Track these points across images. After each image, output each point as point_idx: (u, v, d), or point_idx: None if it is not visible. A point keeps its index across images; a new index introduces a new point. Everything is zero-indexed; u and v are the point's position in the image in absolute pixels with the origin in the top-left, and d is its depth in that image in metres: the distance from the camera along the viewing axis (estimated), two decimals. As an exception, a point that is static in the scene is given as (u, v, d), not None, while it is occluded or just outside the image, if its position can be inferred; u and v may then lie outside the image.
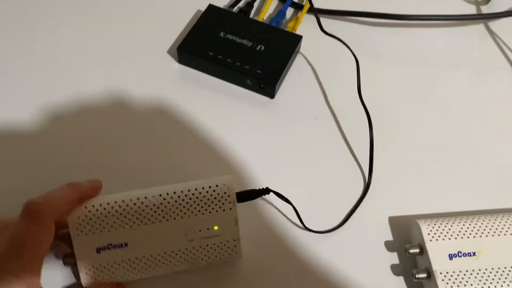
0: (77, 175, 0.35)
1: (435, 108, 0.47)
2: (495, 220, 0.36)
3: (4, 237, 0.29)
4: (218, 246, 0.34)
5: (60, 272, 0.35)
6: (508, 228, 0.36)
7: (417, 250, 0.35)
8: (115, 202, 0.32)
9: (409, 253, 0.36)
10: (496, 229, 0.36)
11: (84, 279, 0.33)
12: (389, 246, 0.38)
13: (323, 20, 0.49)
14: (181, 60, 0.47)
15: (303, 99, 0.46)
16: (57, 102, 0.44)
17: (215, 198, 0.33)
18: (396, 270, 0.37)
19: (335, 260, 0.37)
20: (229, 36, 0.46)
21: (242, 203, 0.35)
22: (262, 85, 0.45)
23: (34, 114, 0.43)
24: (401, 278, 0.36)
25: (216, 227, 0.33)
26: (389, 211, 0.39)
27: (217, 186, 0.33)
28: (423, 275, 0.34)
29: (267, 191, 0.36)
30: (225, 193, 0.33)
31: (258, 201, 0.39)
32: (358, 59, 0.45)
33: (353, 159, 0.42)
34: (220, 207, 0.33)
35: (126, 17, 0.51)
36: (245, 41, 0.46)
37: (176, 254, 0.33)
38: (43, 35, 0.49)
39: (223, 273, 0.36)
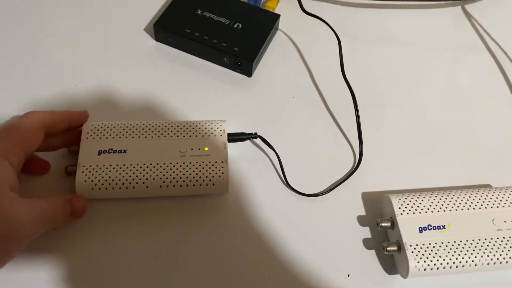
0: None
1: (414, 90, 0.47)
2: (465, 195, 0.37)
3: None
4: (206, 165, 0.37)
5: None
6: (477, 202, 0.37)
7: (388, 224, 0.36)
8: (126, 122, 0.38)
9: (381, 226, 0.36)
10: (466, 203, 0.37)
11: (79, 176, 0.35)
12: (362, 220, 0.38)
13: (304, 1, 0.49)
14: (158, 38, 0.47)
15: (281, 78, 0.46)
16: (36, 85, 0.43)
17: (208, 126, 0.39)
18: (368, 244, 0.37)
19: (311, 228, 0.38)
20: (207, 14, 0.46)
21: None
22: (239, 63, 0.44)
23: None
24: (373, 251, 0.37)
25: (206, 148, 0.37)
26: (362, 187, 0.40)
27: (211, 123, 0.39)
28: (394, 248, 0.35)
29: (255, 135, 0.40)
30: (218, 123, 0.39)
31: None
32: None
33: (337, 135, 0.43)
34: (212, 133, 0.38)
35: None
36: (222, 19, 0.46)
37: (167, 166, 0.36)
38: (16, 23, 0.48)
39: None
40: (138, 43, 0.47)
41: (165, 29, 0.45)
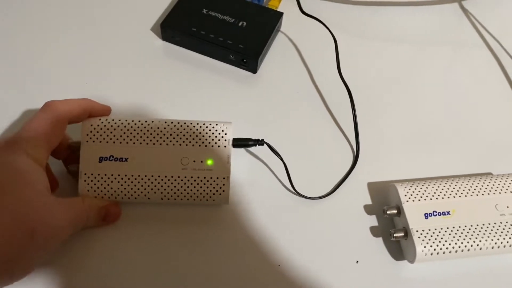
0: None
1: (413, 84, 0.48)
2: (468, 182, 0.38)
3: None
4: (208, 181, 0.36)
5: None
6: (480, 189, 0.38)
7: (394, 211, 0.37)
8: (126, 120, 0.37)
9: (387, 214, 0.37)
10: (469, 190, 0.38)
11: (81, 185, 0.35)
12: (368, 209, 0.39)
13: (304, 0, 0.50)
14: (165, 37, 0.48)
15: (285, 75, 0.47)
16: (46, 84, 0.44)
17: (212, 133, 0.37)
18: (375, 231, 0.38)
19: (317, 223, 0.39)
20: (212, 13, 0.47)
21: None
22: (244, 60, 0.46)
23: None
24: (380, 239, 0.38)
25: (209, 162, 0.36)
26: (368, 177, 0.41)
27: (216, 125, 0.37)
28: (401, 234, 0.36)
29: (261, 142, 0.39)
30: (222, 131, 0.37)
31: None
32: (338, 38, 0.47)
33: (338, 130, 0.44)
34: (216, 143, 0.37)
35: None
36: (227, 17, 0.47)
37: (169, 180, 0.36)
38: (20, 21, 0.49)
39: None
40: (145, 43, 0.48)
41: (172, 28, 0.46)
